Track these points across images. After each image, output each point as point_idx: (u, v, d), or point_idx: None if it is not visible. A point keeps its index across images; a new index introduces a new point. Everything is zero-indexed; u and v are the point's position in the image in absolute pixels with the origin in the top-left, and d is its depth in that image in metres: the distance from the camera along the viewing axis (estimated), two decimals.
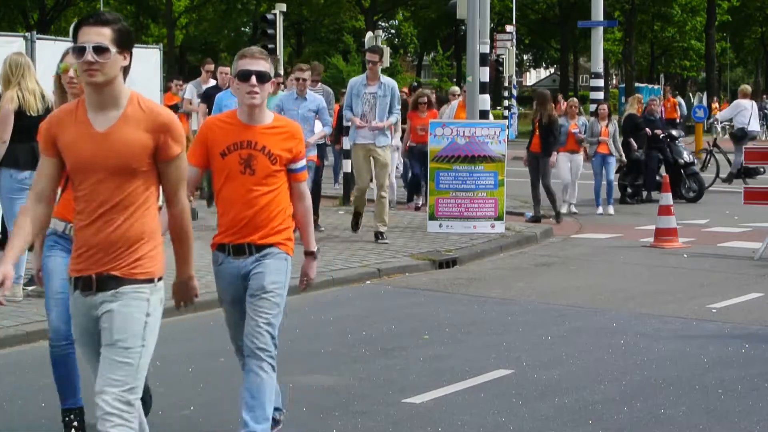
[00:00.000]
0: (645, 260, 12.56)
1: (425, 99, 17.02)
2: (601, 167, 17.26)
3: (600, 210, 17.11)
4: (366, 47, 13.43)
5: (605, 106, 17.91)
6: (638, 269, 11.98)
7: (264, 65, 5.29)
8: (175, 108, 17.10)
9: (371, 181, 13.37)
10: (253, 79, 5.23)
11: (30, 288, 9.46)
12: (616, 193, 18.32)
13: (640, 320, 9.15)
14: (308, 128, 12.14)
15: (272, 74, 5.38)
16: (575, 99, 18.91)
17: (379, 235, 12.88)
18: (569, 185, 17.20)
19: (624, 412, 6.40)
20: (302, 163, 5.44)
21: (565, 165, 16.97)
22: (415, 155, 16.63)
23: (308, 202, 5.53)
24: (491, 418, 6.26)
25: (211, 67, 17.12)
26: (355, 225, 13.39)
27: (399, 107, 13.06)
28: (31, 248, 9.51)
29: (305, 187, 5.53)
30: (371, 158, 12.98)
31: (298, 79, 12.34)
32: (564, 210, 16.60)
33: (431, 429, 6.08)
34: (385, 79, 13.01)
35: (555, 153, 15.88)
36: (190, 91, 17.18)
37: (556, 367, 7.47)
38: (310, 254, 5.61)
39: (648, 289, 10.77)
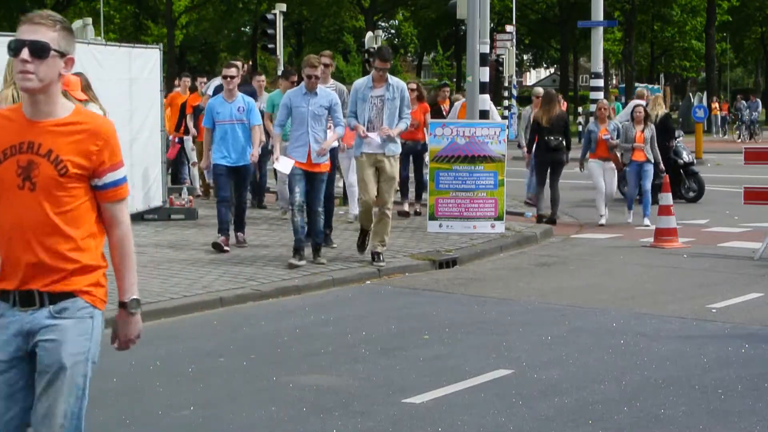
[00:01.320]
0: (645, 260, 12.56)
1: (414, 87, 15.67)
2: (637, 177, 15.69)
3: (630, 218, 15.70)
4: (375, 52, 12.09)
5: (641, 109, 16.06)
6: (638, 269, 11.98)
7: (45, 34, 3.81)
8: (199, 110, 15.87)
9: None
10: (25, 52, 3.79)
11: None
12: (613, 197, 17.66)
13: (640, 320, 9.15)
14: (320, 127, 11.31)
15: (64, 47, 3.86)
16: (605, 101, 17.11)
17: (376, 257, 11.47)
18: (602, 196, 15.70)
19: (624, 412, 6.40)
20: (115, 175, 3.88)
21: (598, 172, 15.69)
22: (404, 154, 15.52)
23: (123, 231, 3.94)
24: (491, 418, 6.26)
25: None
26: (362, 245, 11.87)
27: (409, 111, 11.71)
28: None
29: (119, 211, 3.93)
30: (377, 169, 11.52)
31: (309, 77, 11.18)
32: (603, 221, 15.58)
33: (431, 429, 6.08)
34: (394, 80, 11.60)
35: (527, 155, 16.24)
36: (212, 88, 16.01)
37: (556, 367, 7.47)
38: (122, 306, 3.97)
39: (648, 289, 10.77)
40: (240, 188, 12.55)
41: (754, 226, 15.05)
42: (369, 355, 7.85)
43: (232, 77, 12.20)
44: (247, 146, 12.21)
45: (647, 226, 14.93)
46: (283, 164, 11.48)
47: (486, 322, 9.12)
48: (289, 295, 10.22)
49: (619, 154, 15.81)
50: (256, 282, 10.32)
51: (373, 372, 7.36)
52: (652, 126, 15.93)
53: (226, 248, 12.00)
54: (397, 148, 11.67)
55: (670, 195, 13.88)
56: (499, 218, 13.91)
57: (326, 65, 12.48)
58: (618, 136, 15.68)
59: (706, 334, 8.64)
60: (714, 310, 9.60)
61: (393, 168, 11.57)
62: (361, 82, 11.76)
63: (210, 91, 16.00)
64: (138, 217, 14.73)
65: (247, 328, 8.84)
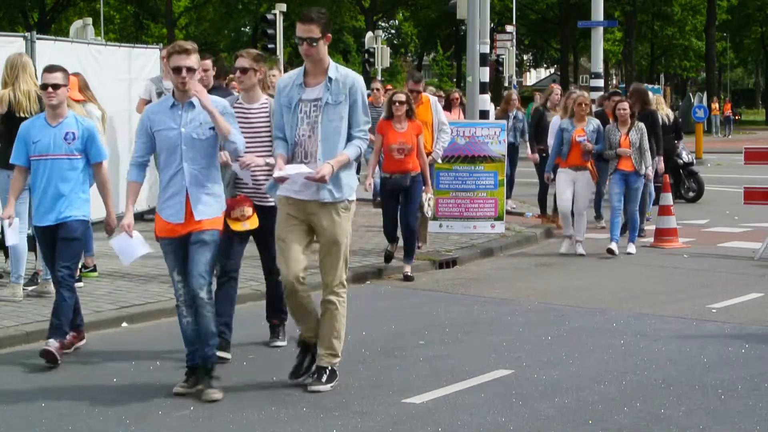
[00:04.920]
0: (645, 260, 12.56)
1: (401, 99, 10.94)
2: (621, 188, 12.74)
3: (613, 245, 12.66)
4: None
5: (626, 105, 12.91)
6: (638, 269, 11.98)
7: None
8: None
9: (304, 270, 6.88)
10: None
11: (30, 288, 9.46)
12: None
13: (640, 320, 9.15)
14: (206, 161, 6.83)
15: None
16: (585, 95, 13.63)
17: (318, 375, 6.91)
18: (567, 218, 12.90)
19: (624, 412, 6.40)
20: None
21: (566, 187, 12.77)
22: (389, 192, 11.12)
23: None
24: (491, 418, 6.26)
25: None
26: (297, 369, 7.11)
27: (368, 120, 6.89)
28: (32, 248, 9.58)
29: None
30: (310, 226, 6.87)
31: (177, 71, 6.71)
32: (563, 248, 12.97)
33: (431, 429, 6.08)
34: (341, 70, 6.84)
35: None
36: (146, 89, 12.54)
37: (556, 367, 7.47)
38: None
39: (648, 289, 10.78)
40: (63, 260, 7.60)
41: (754, 226, 15.05)
42: (369, 355, 7.85)
43: (56, 87, 7.64)
44: (78, 196, 7.73)
45: (630, 253, 12.80)
46: (124, 247, 7.10)
47: (486, 322, 9.13)
48: None
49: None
50: (256, 282, 10.32)
51: (373, 372, 7.36)
52: (642, 127, 12.81)
53: (59, 355, 7.45)
54: (345, 190, 6.80)
55: (670, 195, 13.89)
56: (499, 218, 13.91)
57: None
58: (598, 140, 12.77)
59: (706, 334, 8.64)
60: (714, 310, 9.60)
61: (336, 225, 6.77)
62: (288, 77, 6.99)
63: (144, 95, 12.48)
64: (138, 217, 14.72)
65: (247, 328, 8.84)
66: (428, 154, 11.69)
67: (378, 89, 16.52)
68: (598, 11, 23.15)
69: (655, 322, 9.09)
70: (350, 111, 6.77)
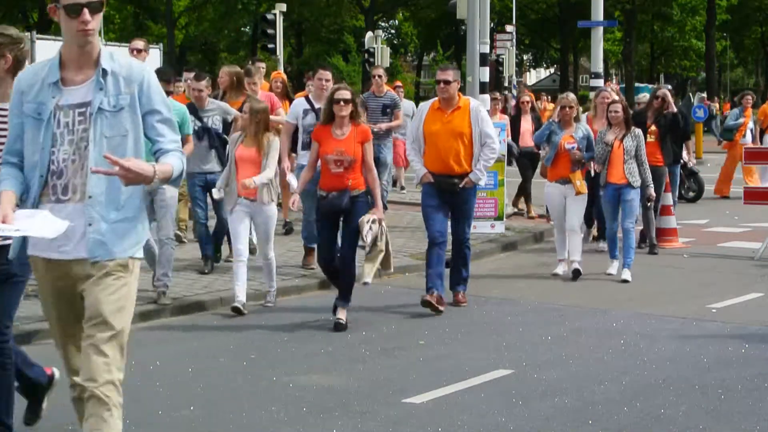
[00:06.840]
0: (645, 260, 12.55)
1: (346, 97, 8.69)
2: (614, 206, 11.27)
3: (612, 269, 11.34)
4: None
5: (619, 107, 11.31)
6: (638, 269, 11.96)
7: None
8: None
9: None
10: None
11: (31, 288, 9.45)
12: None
13: (640, 320, 9.15)
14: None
15: None
16: (572, 96, 11.51)
17: None
18: (562, 237, 11.30)
19: (624, 412, 6.40)
20: None
21: (557, 200, 11.12)
22: (324, 215, 8.89)
23: None
24: (491, 418, 6.26)
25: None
26: None
27: (175, 128, 4.53)
28: None
29: None
30: (70, 298, 4.55)
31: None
32: (559, 270, 11.33)
33: (431, 429, 6.08)
34: (118, 60, 4.46)
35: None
36: None
37: (556, 367, 7.47)
38: None
39: (648, 289, 10.77)
40: None
41: (754, 226, 15.05)
42: (369, 355, 7.85)
43: None
44: None
45: (625, 281, 11.00)
46: None
47: (486, 322, 9.13)
48: (289, 295, 10.23)
49: (593, 169, 11.72)
50: (256, 282, 10.32)
51: (373, 372, 7.37)
52: (638, 133, 11.28)
53: None
54: (128, 243, 4.44)
55: (670, 195, 13.88)
56: (499, 218, 13.90)
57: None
58: (588, 147, 11.07)
59: (706, 334, 8.65)
60: (714, 310, 9.60)
61: (112, 298, 4.43)
62: (30, 73, 4.54)
63: None
64: None
65: (247, 328, 8.84)
66: (465, 175, 9.41)
67: (380, 76, 14.33)
68: (598, 11, 23.12)
69: (655, 322, 9.09)
70: (146, 119, 4.43)
